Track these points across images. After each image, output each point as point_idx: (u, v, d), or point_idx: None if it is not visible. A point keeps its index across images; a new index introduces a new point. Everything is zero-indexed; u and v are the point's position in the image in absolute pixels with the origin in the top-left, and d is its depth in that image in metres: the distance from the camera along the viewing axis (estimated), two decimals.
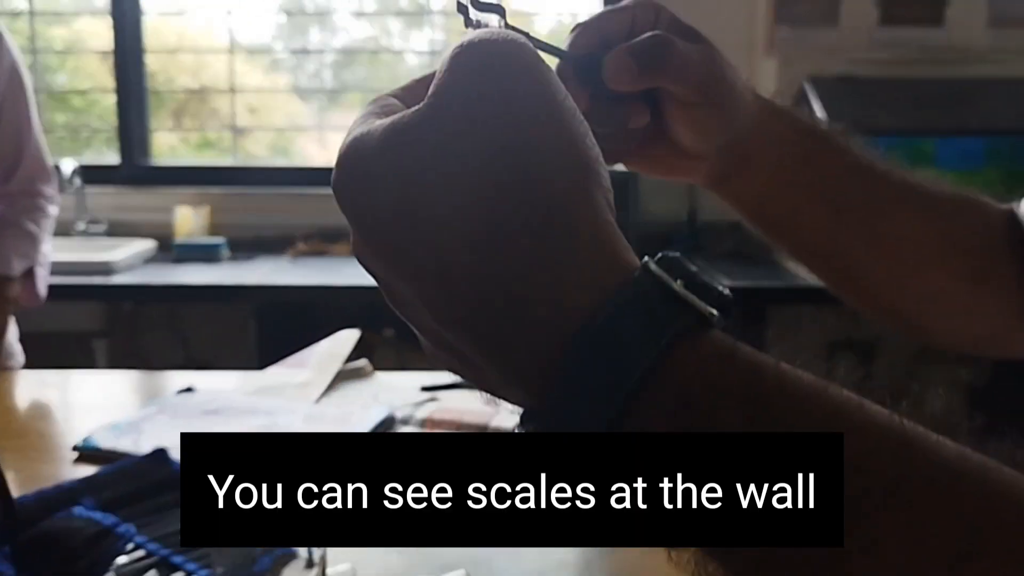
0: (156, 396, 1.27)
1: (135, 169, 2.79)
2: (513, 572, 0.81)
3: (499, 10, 0.54)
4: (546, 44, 0.57)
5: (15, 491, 0.88)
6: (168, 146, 3.01)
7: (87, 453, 1.07)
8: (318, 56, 3.14)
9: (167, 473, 0.97)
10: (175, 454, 1.00)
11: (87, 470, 0.99)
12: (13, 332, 1.55)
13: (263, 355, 2.32)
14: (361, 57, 3.14)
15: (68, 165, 2.54)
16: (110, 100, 2.85)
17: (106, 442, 1.09)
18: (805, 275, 2.51)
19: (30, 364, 1.67)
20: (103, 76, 2.94)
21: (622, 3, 0.58)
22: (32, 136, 1.52)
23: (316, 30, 3.12)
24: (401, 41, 3.15)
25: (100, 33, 2.92)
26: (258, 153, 3.06)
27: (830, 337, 2.64)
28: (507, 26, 0.55)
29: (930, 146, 2.48)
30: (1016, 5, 2.64)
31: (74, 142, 3.01)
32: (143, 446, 1.05)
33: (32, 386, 1.40)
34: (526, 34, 0.57)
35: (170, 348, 2.61)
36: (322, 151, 3.12)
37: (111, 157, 2.85)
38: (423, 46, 3.08)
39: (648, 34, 0.55)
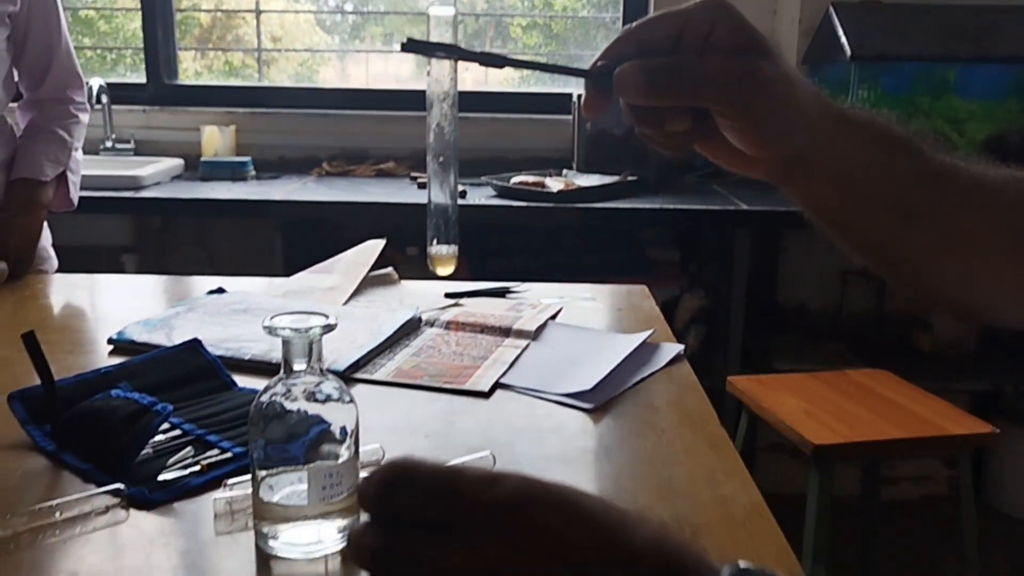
0: (184, 299, 1.30)
1: (162, 88, 2.80)
2: (535, 455, 0.84)
3: (454, 52, 0.56)
4: (562, 67, 0.61)
5: (58, 378, 0.91)
6: (193, 72, 3.00)
7: (121, 346, 1.10)
8: None
9: (201, 363, 1.00)
10: (207, 347, 1.03)
11: (126, 360, 1.02)
12: (47, 237, 1.57)
13: (289, 271, 2.35)
14: None
15: (95, 83, 2.55)
16: (135, 24, 2.84)
17: (139, 336, 1.12)
18: None
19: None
20: None
21: (678, 8, 0.56)
22: (62, 42, 1.52)
23: None
24: None
25: None
26: (283, 82, 3.05)
27: (845, 264, 2.64)
28: (462, 58, 0.58)
29: (952, 74, 2.44)
30: None
31: (101, 65, 3.00)
32: (175, 340, 1.08)
33: (66, 288, 1.44)
34: (532, 63, 0.59)
35: (197, 263, 2.64)
36: (343, 82, 3.10)
37: (138, 78, 2.85)
38: None
39: (667, 58, 0.54)
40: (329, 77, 3.09)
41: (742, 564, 0.39)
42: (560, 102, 2.72)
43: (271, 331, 0.64)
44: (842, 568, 2.16)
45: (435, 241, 0.58)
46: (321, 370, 0.66)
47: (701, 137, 0.60)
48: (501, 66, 0.58)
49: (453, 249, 0.58)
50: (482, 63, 0.58)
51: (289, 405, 0.65)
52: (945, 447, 1.77)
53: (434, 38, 0.55)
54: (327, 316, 0.66)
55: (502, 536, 0.38)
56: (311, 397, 0.66)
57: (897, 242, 0.62)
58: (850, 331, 2.71)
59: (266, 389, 0.66)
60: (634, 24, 0.57)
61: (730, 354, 2.43)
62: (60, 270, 1.65)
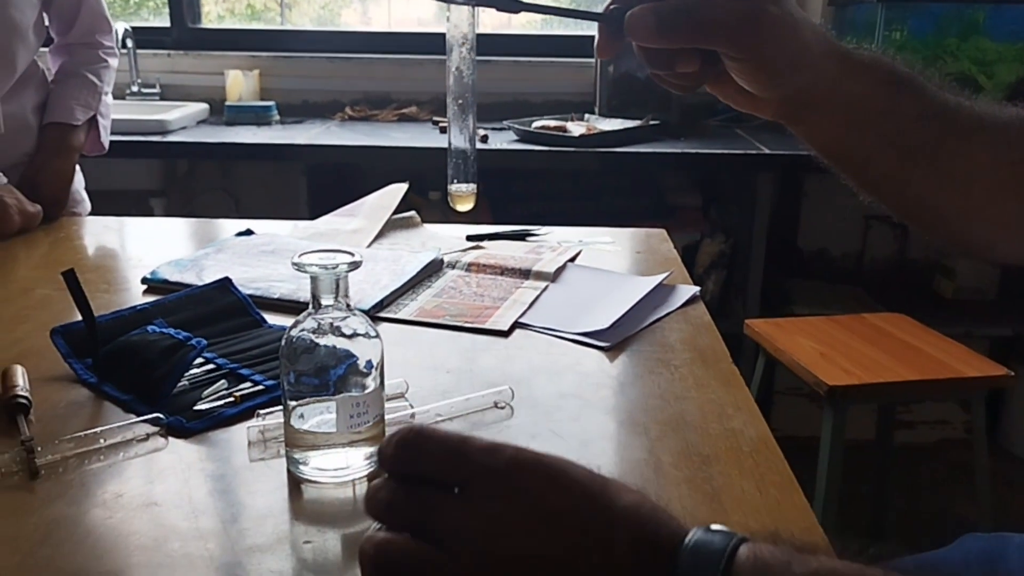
0: (213, 240, 1.33)
1: (186, 32, 2.81)
2: (552, 391, 0.87)
3: None
4: (575, 11, 0.63)
5: (96, 314, 0.95)
6: (216, 16, 3.01)
7: (155, 285, 1.14)
8: None
9: (232, 300, 1.04)
10: (237, 286, 1.07)
11: (160, 298, 1.06)
12: (79, 180, 1.61)
13: (313, 214, 2.39)
14: None
15: (119, 27, 2.56)
16: None
17: (172, 275, 1.16)
18: None
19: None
20: None
21: None
22: None
23: None
24: None
25: None
26: (304, 24, 3.05)
27: (868, 209, 2.62)
28: (479, 4, 0.60)
29: (981, 15, 2.40)
30: None
31: (123, 9, 3.02)
32: (206, 279, 1.12)
33: (98, 230, 1.48)
34: (545, 7, 0.61)
35: (224, 207, 2.68)
36: (365, 24, 3.09)
37: (161, 22, 2.86)
38: None
39: (674, 0, 0.56)
40: (351, 20, 3.08)
41: (713, 527, 0.43)
42: (583, 45, 2.70)
43: (300, 268, 0.67)
44: (855, 509, 2.21)
45: (455, 180, 0.62)
46: (348, 306, 0.70)
47: (711, 77, 0.62)
48: (516, 11, 0.61)
49: (472, 187, 0.62)
50: (498, 8, 0.60)
51: (318, 339, 0.68)
52: (959, 389, 1.79)
53: None
54: (353, 254, 0.69)
55: (500, 498, 0.43)
56: (338, 331, 0.69)
57: (901, 178, 0.65)
58: (872, 276, 2.71)
59: (296, 324, 0.69)
60: None
61: (749, 299, 2.45)
62: (92, 214, 1.69)
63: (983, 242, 0.68)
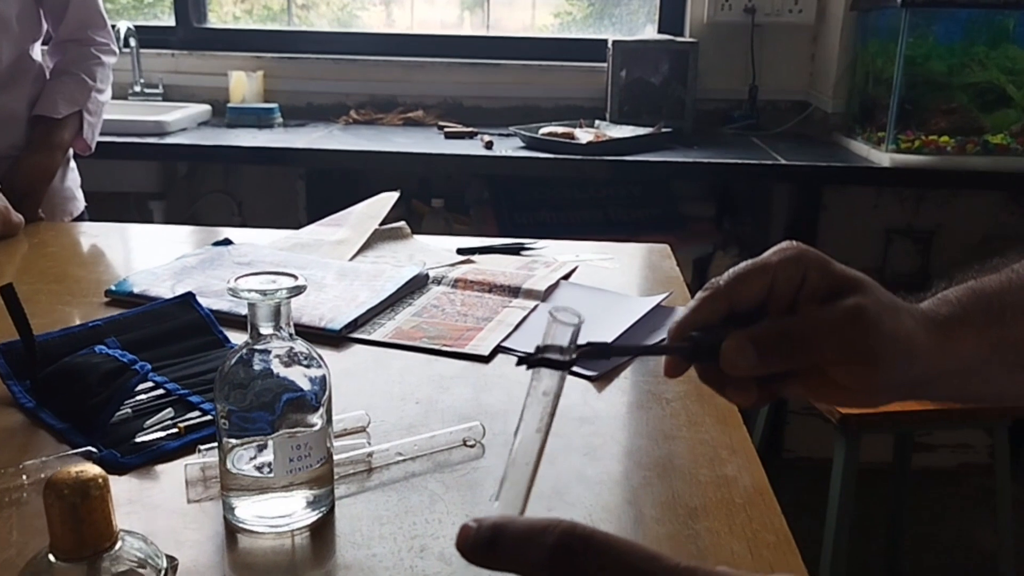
0: (191, 250, 1.27)
1: (191, 32, 2.76)
2: None
3: (565, 366, 0.46)
4: (663, 347, 0.53)
5: (45, 331, 0.88)
6: (232, 17, 2.95)
7: (119, 297, 1.07)
8: None
9: (194, 317, 0.97)
10: (203, 300, 1.00)
11: (116, 313, 0.99)
12: (75, 179, 1.56)
13: (312, 220, 2.32)
14: None
15: (122, 26, 2.51)
16: None
17: (139, 287, 1.09)
18: (866, 156, 2.35)
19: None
20: None
21: (762, 262, 0.52)
22: None
23: None
24: None
25: None
26: (322, 26, 2.98)
27: (888, 223, 2.53)
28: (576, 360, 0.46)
29: (1011, 21, 2.30)
30: None
31: (137, 12, 2.97)
32: (178, 291, 1.05)
33: (76, 236, 1.41)
34: (637, 348, 0.49)
35: (224, 210, 2.62)
36: (388, 27, 3.01)
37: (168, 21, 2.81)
38: None
39: (770, 324, 0.51)
40: (373, 22, 3.00)
41: None
42: (595, 49, 2.62)
43: (235, 293, 0.60)
44: (870, 535, 2.11)
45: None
46: (291, 334, 0.62)
47: (789, 384, 0.55)
48: (608, 356, 0.52)
49: None
50: (590, 357, 0.51)
51: (255, 372, 0.61)
52: (978, 419, 1.69)
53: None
54: (296, 277, 0.62)
55: None
56: (279, 363, 0.62)
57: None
58: (893, 292, 2.61)
59: (231, 355, 0.62)
60: (721, 283, 0.52)
61: None
62: (91, 217, 1.63)
63: None
